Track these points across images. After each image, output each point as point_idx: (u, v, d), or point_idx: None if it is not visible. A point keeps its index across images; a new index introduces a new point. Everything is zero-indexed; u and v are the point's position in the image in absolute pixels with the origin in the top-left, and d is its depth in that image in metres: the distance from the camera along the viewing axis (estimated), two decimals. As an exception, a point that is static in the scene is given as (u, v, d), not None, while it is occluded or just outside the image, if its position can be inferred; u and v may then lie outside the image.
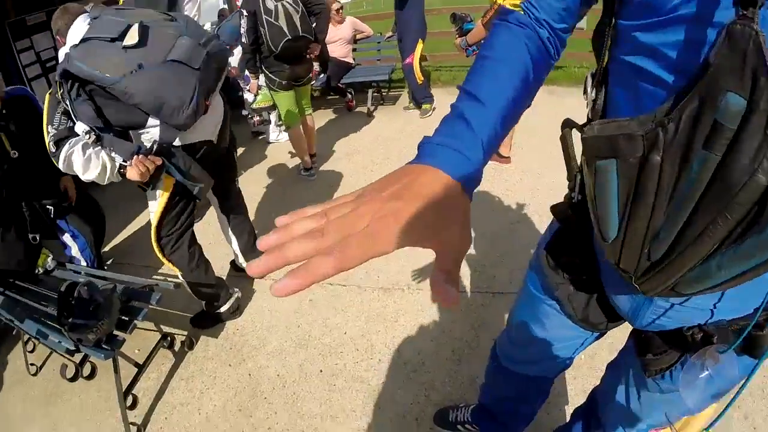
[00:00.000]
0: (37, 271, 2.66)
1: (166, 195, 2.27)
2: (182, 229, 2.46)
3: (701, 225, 0.59)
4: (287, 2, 3.69)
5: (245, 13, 3.70)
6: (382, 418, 2.17)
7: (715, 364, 0.85)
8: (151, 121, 2.04)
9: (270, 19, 3.66)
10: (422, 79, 5.57)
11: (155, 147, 2.08)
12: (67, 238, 3.02)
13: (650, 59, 0.67)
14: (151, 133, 2.09)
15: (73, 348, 2.01)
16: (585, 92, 0.85)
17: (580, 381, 2.16)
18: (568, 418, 2.04)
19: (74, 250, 3.03)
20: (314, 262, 0.39)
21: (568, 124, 0.90)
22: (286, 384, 2.40)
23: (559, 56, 0.84)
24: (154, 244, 2.42)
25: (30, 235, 2.67)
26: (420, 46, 5.35)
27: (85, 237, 3.09)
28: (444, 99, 5.88)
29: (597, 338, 1.21)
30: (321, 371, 2.44)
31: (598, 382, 2.09)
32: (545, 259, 1.09)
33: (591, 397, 1.46)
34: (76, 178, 2.14)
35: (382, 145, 5.16)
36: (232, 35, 4.48)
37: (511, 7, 0.82)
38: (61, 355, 2.04)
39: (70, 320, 1.94)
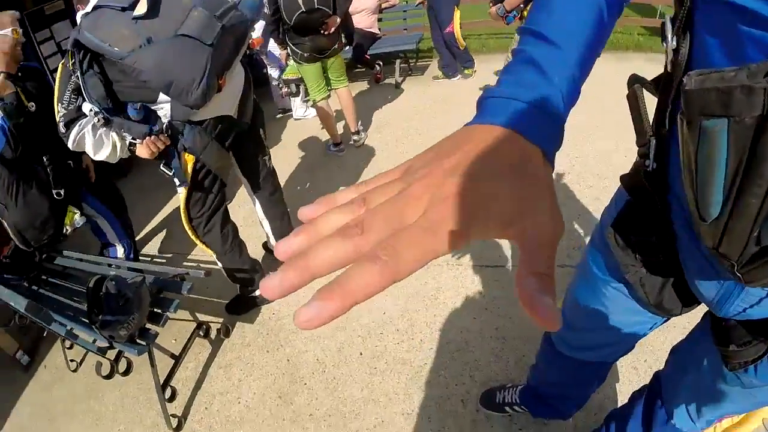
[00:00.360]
0: (65, 231, 2.61)
1: (189, 175, 2.17)
2: (212, 209, 2.36)
3: None
4: None
5: None
6: (426, 400, 2.08)
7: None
8: (163, 97, 1.95)
9: None
10: (464, 45, 5.53)
11: (168, 125, 2.01)
12: (102, 222, 2.93)
13: None
14: (165, 109, 2.01)
15: (106, 346, 1.98)
16: (664, 40, 0.69)
17: (629, 357, 2.03)
18: (618, 396, 1.93)
19: (110, 236, 2.97)
20: (354, 275, 0.27)
21: (637, 80, 0.75)
22: (326, 368, 2.33)
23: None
24: (186, 226, 2.35)
25: (54, 191, 2.56)
26: (458, 13, 5.31)
27: (120, 221, 3.01)
28: (490, 67, 5.77)
29: (664, 322, 1.08)
30: (361, 354, 2.36)
31: (649, 359, 1.98)
32: (613, 237, 0.94)
33: (654, 381, 1.33)
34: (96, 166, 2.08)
35: (413, 117, 5.00)
36: (253, 8, 4.35)
37: None
38: (95, 353, 2.00)
39: (100, 317, 1.89)
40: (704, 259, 0.75)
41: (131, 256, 3.05)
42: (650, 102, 0.75)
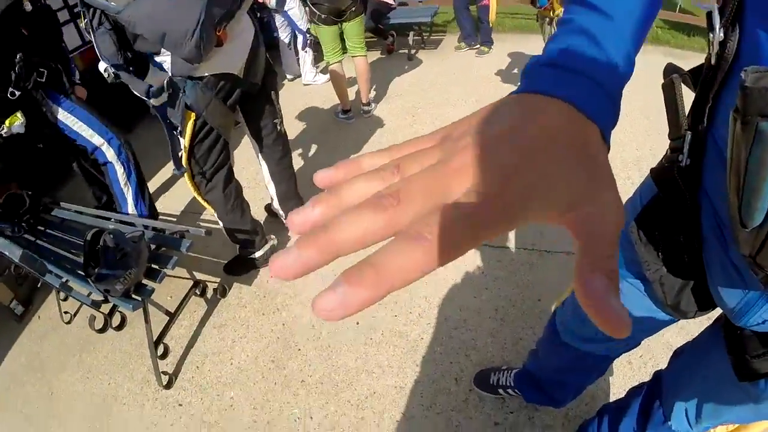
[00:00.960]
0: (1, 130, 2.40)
1: (189, 131, 2.11)
2: (215, 167, 2.31)
3: None
4: None
5: None
6: (419, 375, 2.07)
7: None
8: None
9: None
10: (494, 20, 5.34)
11: (169, 82, 1.97)
12: (96, 138, 2.64)
13: None
14: (167, 63, 1.97)
15: (100, 299, 1.95)
16: (711, 30, 0.64)
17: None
18: (611, 389, 1.92)
19: (110, 155, 2.71)
20: (392, 255, 0.22)
21: (675, 70, 0.71)
22: (321, 335, 2.31)
23: None
24: (188, 182, 2.31)
25: (10, 89, 2.35)
26: None
27: (121, 141, 2.74)
28: (508, 46, 5.68)
29: (674, 323, 1.06)
30: (357, 324, 2.34)
31: (645, 354, 1.97)
32: (636, 232, 0.90)
33: (654, 381, 1.31)
34: None
35: (425, 90, 4.91)
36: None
37: None
38: (89, 306, 1.98)
39: (96, 270, 1.86)
40: (731, 266, 0.72)
41: (123, 153, 2.75)
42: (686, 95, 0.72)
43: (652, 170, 0.86)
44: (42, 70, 2.49)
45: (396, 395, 2.01)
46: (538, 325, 2.20)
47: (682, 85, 0.73)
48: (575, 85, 0.36)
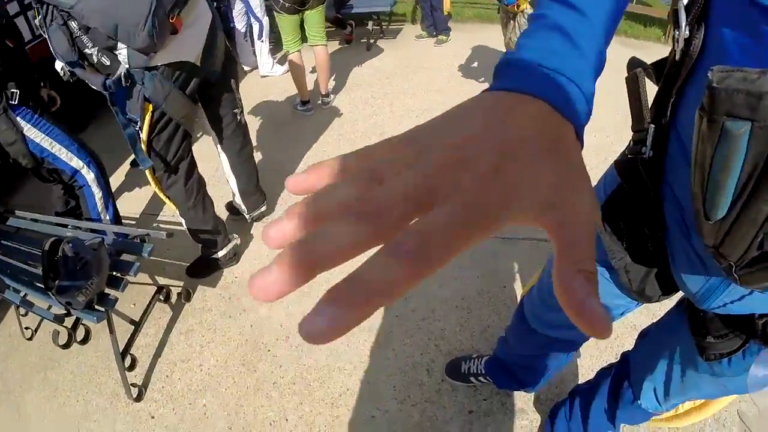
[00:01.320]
0: None
1: (147, 124, 2.06)
2: (176, 159, 2.25)
3: None
4: None
5: None
6: (392, 368, 2.09)
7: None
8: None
9: None
10: (449, 10, 5.50)
11: (126, 74, 1.92)
12: (75, 161, 2.48)
13: None
14: (123, 55, 1.91)
15: (63, 313, 1.89)
16: (677, 27, 0.65)
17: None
18: (579, 370, 1.99)
19: (90, 179, 2.54)
20: (378, 270, 0.21)
21: (638, 64, 0.73)
22: (290, 335, 2.30)
23: None
24: (149, 177, 2.23)
25: None
26: None
27: (97, 162, 2.59)
28: (466, 35, 5.73)
29: (638, 306, 1.10)
30: (326, 321, 2.33)
31: (612, 335, 2.04)
32: (600, 222, 0.93)
33: (622, 361, 1.36)
34: None
35: (382, 79, 4.90)
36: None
37: None
38: (51, 321, 1.92)
39: (57, 283, 1.79)
40: (694, 254, 0.75)
41: (101, 179, 2.61)
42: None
43: (615, 162, 0.89)
44: (13, 91, 2.26)
45: (369, 390, 2.03)
46: (504, 312, 2.24)
47: (646, 78, 0.75)
48: (550, 84, 0.36)
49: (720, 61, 0.57)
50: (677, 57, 0.67)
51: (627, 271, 0.91)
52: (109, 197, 2.68)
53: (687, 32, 0.64)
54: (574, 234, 0.26)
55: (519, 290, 2.36)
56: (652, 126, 0.74)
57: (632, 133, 0.79)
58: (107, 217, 2.65)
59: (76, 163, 2.48)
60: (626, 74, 0.75)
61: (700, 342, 0.88)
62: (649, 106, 0.76)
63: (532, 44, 0.42)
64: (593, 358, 2.01)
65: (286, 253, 0.22)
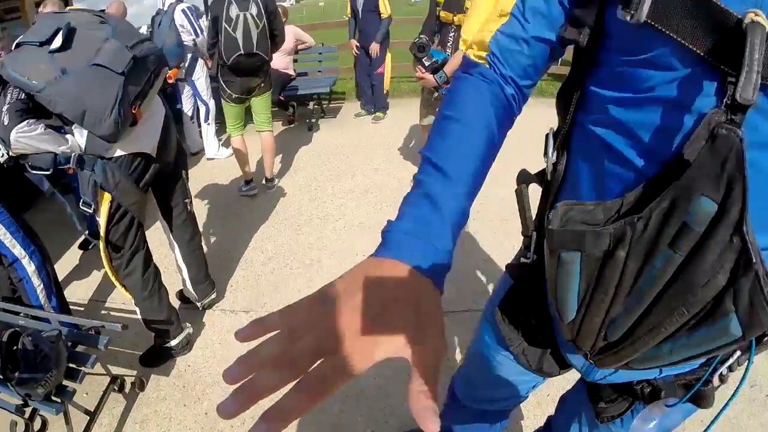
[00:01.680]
0: None
1: (105, 213, 2.16)
2: (132, 249, 2.33)
3: (659, 317, 0.60)
4: (250, 14, 3.65)
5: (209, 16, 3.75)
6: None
7: (661, 414, 0.92)
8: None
9: (228, 28, 3.63)
10: (388, 89, 5.94)
11: (78, 158, 2.03)
12: (17, 249, 2.40)
13: (621, 137, 0.66)
14: (75, 137, 2.02)
15: (21, 403, 1.91)
16: (545, 154, 0.82)
17: (534, 394, 2.23)
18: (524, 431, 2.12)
19: (30, 270, 2.46)
20: (288, 403, 0.38)
21: (524, 179, 0.89)
22: (245, 421, 2.33)
23: (520, 112, 0.81)
24: (107, 267, 2.30)
25: None
26: (390, 56, 5.70)
27: (41, 252, 2.51)
28: (402, 111, 6.07)
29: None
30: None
31: (552, 392, 2.20)
32: (500, 315, 1.10)
33: (547, 424, 1.53)
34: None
35: (324, 161, 5.17)
36: (175, 56, 4.37)
37: (475, 59, 0.78)
38: (11, 412, 1.93)
39: (16, 375, 1.82)
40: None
41: (43, 269, 2.52)
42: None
43: (507, 265, 1.08)
44: None
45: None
46: (448, 382, 2.37)
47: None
48: (416, 252, 0.55)
49: (574, 189, 0.78)
50: (549, 177, 0.85)
51: (525, 354, 1.08)
52: (52, 288, 2.59)
53: (554, 157, 0.82)
54: (425, 364, 0.42)
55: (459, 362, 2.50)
56: (534, 234, 0.92)
57: (522, 237, 0.97)
58: (50, 309, 2.59)
59: (18, 251, 2.41)
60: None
61: (595, 407, 1.05)
62: (533, 216, 0.93)
63: (408, 211, 0.62)
64: (537, 417, 2.19)
65: (240, 389, 0.41)
